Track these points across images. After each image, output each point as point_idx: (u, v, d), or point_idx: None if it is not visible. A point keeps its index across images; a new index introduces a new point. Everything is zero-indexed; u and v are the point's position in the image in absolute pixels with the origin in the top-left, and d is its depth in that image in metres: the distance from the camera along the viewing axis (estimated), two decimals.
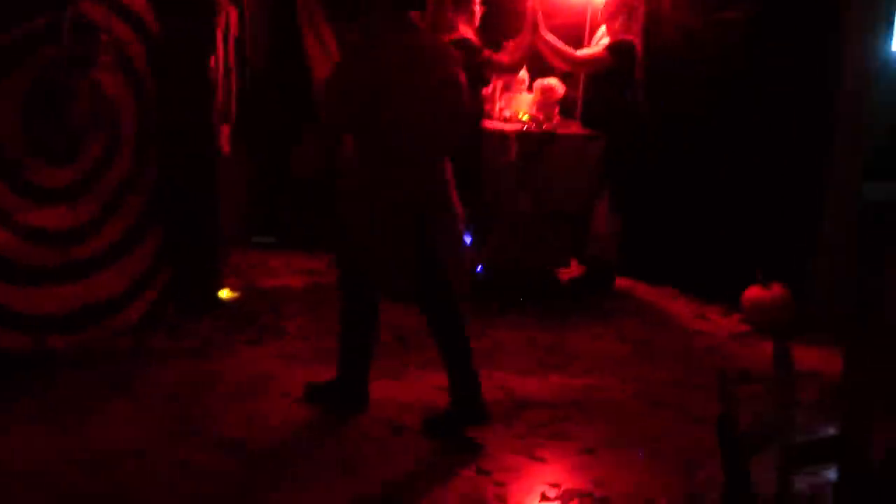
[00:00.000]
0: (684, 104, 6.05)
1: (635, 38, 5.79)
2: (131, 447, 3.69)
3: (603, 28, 5.96)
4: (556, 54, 5.84)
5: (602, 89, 5.93)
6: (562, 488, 3.54)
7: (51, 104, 4.36)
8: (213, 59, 5.35)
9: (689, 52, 6.05)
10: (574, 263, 6.26)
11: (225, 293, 5.48)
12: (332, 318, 4.93)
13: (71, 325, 4.44)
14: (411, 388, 4.38)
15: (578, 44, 6.19)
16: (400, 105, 3.78)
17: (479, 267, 5.99)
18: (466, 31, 5.74)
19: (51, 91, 4.35)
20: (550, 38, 5.79)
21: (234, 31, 6.13)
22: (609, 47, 5.75)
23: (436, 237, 3.98)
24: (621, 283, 6.17)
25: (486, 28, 6.01)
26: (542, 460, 3.78)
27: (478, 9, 5.82)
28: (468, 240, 6.04)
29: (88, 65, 4.43)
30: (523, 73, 6.37)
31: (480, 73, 5.80)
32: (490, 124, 5.94)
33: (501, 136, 5.76)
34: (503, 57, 5.82)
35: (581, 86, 6.38)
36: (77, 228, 4.52)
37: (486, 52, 5.71)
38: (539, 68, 6.40)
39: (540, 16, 5.75)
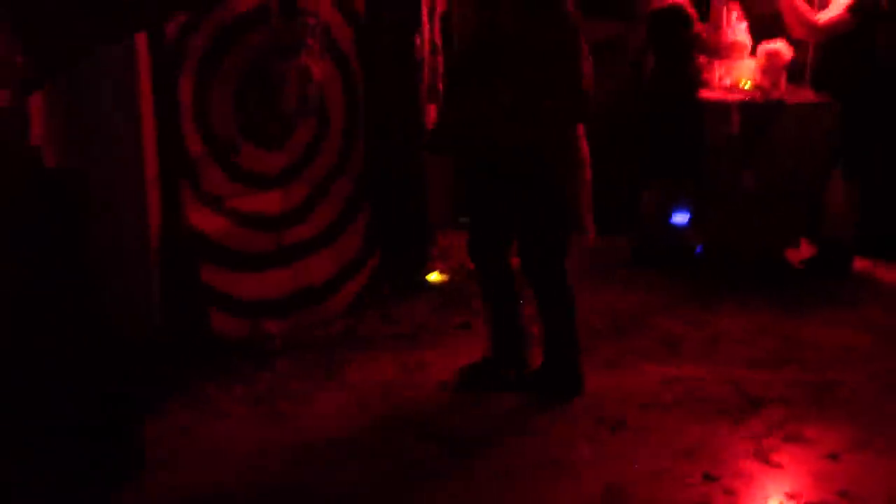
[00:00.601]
0: None
1: None
2: (343, 437, 3.64)
3: None
4: (798, 20, 5.32)
5: (836, 50, 5.38)
6: (802, 500, 3.18)
7: (262, 90, 4.36)
8: (418, 37, 5.23)
9: None
10: (805, 243, 5.76)
11: (434, 276, 5.39)
12: None
13: (284, 310, 4.45)
14: (631, 379, 4.10)
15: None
16: None
17: (700, 247, 5.62)
18: None
19: (262, 77, 4.35)
20: (798, 2, 5.30)
21: (440, 7, 6.01)
22: (850, 7, 5.18)
23: None
24: (859, 264, 5.59)
25: None
26: (777, 466, 3.41)
27: None
28: (688, 218, 5.70)
29: (297, 49, 4.40)
30: (746, 38, 5.89)
31: (692, 44, 5.43)
32: (710, 94, 5.53)
33: (722, 106, 5.35)
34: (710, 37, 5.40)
35: (811, 48, 5.85)
36: (289, 213, 4.52)
37: (698, 26, 5.32)
38: (762, 29, 5.92)
39: None
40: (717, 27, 5.34)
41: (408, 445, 3.58)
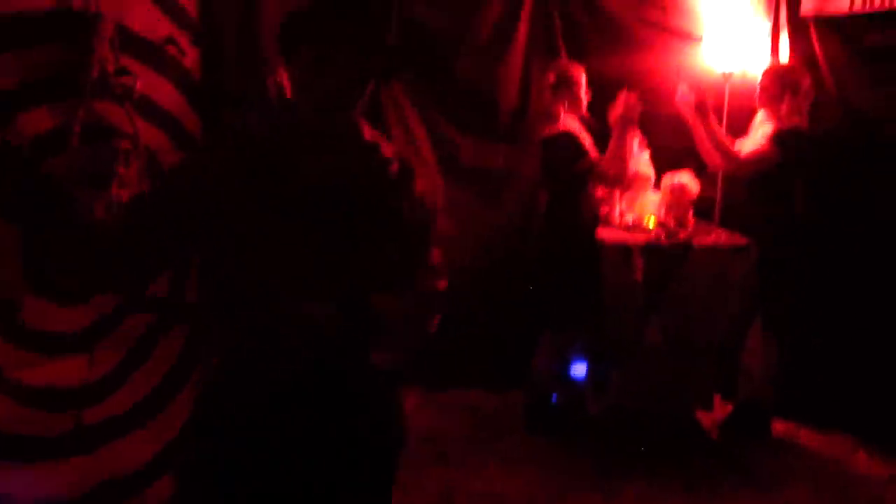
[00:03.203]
0: (858, 204, 4.88)
1: (803, 121, 4.64)
2: None
3: (761, 114, 4.83)
4: (718, 149, 4.70)
5: (751, 189, 4.79)
6: None
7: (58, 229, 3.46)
8: None
9: (860, 138, 4.90)
10: (717, 400, 5.07)
11: None
12: (413, 487, 3.97)
13: None
14: None
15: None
16: None
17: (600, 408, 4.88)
18: (570, 123, 4.71)
19: (57, 213, 3.46)
20: (716, 127, 4.70)
21: None
22: (774, 137, 4.61)
23: None
24: (779, 426, 4.94)
25: (598, 114, 4.97)
26: None
27: (583, 94, 4.78)
28: (584, 373, 4.97)
29: (107, 179, 3.54)
30: (648, 169, 5.30)
31: (587, 176, 4.75)
32: (609, 234, 4.86)
33: (624, 249, 4.67)
34: (607, 166, 4.70)
35: (720, 183, 5.29)
36: (94, 384, 3.58)
37: (591, 157, 4.66)
38: (666, 160, 5.35)
39: (709, 95, 4.68)
40: (617, 156, 4.67)
41: None
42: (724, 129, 5.21)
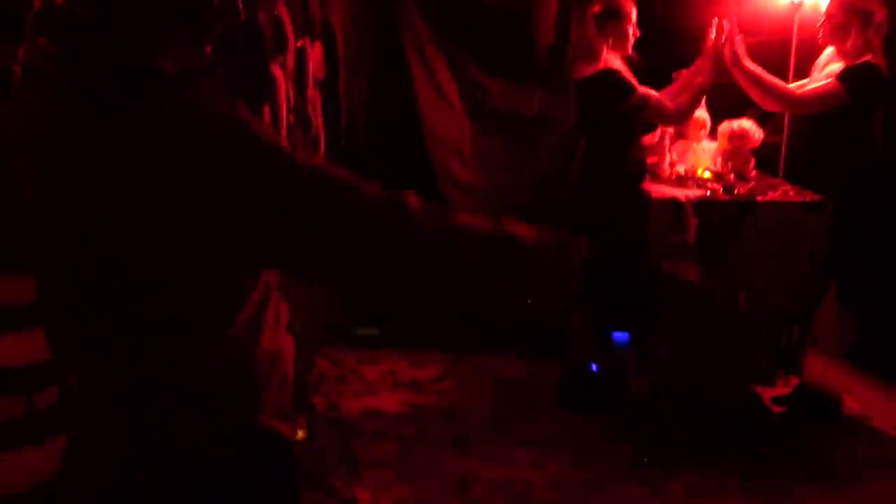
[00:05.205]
0: None
1: (877, 57, 3.97)
2: None
3: (829, 50, 4.16)
4: (767, 91, 4.09)
5: (819, 133, 4.13)
6: None
7: None
8: (268, 108, 3.92)
9: None
10: (781, 376, 4.47)
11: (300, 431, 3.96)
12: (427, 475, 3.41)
13: None
14: None
15: (782, 73, 4.47)
16: None
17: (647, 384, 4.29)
18: (612, 61, 4.10)
19: None
20: (756, 69, 4.07)
21: (315, 71, 4.71)
22: (841, 76, 3.95)
23: None
24: (851, 403, 4.31)
25: (647, 54, 4.32)
26: None
27: (631, 31, 4.15)
28: (626, 341, 4.39)
29: None
30: (703, 114, 4.66)
31: (634, 119, 4.14)
32: (657, 188, 4.23)
33: (675, 205, 4.04)
34: (666, 99, 4.13)
35: (786, 129, 4.63)
36: (48, 362, 3.10)
37: (642, 91, 4.05)
38: (725, 106, 4.70)
39: (740, 39, 4.05)
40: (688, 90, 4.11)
41: None
42: (791, 66, 4.59)
